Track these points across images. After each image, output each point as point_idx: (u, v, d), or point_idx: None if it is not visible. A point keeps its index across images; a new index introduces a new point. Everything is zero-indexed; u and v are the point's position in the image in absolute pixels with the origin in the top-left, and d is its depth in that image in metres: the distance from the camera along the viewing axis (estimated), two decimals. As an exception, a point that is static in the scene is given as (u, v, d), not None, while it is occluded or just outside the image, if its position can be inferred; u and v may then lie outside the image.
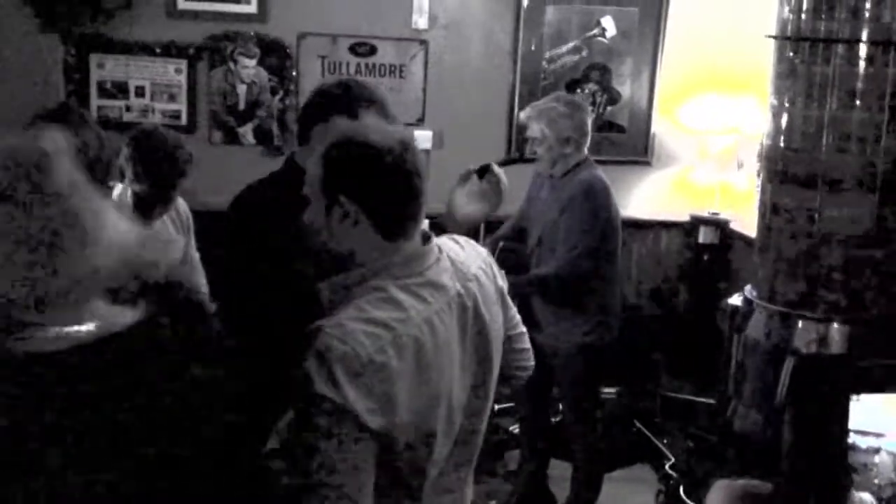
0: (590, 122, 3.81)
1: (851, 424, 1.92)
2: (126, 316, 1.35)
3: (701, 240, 5.37)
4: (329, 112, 2.17)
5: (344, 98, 2.19)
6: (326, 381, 1.54)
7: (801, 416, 1.80)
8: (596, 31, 5.25)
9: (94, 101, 4.84)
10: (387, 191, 1.71)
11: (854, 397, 1.83)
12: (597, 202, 3.70)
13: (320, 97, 2.24)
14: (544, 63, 5.23)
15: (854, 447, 2.02)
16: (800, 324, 2.19)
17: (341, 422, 1.54)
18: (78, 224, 1.28)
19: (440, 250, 1.82)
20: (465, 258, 1.87)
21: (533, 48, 5.20)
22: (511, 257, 4.02)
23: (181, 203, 3.39)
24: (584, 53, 5.26)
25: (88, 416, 1.25)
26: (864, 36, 2.07)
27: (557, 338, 3.77)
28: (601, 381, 3.95)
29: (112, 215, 1.34)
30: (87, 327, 1.30)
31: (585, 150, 3.79)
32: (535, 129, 3.73)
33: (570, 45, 5.24)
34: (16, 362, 1.25)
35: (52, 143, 1.30)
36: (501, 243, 4.11)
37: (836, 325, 2.16)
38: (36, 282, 1.26)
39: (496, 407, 4.94)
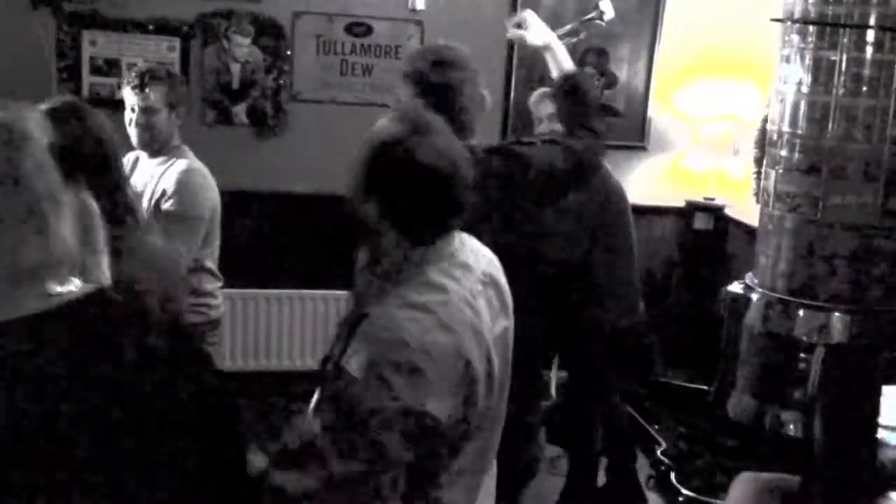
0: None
1: (880, 419, 1.91)
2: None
3: (696, 225, 5.36)
4: None
5: None
6: (371, 370, 1.57)
7: (832, 407, 1.79)
8: (594, 14, 5.16)
9: (87, 78, 4.77)
10: (422, 211, 1.74)
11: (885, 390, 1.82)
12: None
13: None
14: (541, 46, 5.18)
15: (883, 443, 2.00)
16: (801, 312, 2.17)
17: (386, 410, 1.57)
18: (38, 210, 1.24)
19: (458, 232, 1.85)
20: (479, 245, 1.92)
21: (530, 30, 5.15)
22: None
23: None
24: (582, 36, 5.20)
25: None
26: (873, 21, 2.04)
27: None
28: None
29: (68, 213, 1.30)
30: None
31: None
32: None
33: (567, 27, 5.18)
34: None
35: (31, 124, 1.27)
36: None
37: (837, 314, 2.13)
38: None
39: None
